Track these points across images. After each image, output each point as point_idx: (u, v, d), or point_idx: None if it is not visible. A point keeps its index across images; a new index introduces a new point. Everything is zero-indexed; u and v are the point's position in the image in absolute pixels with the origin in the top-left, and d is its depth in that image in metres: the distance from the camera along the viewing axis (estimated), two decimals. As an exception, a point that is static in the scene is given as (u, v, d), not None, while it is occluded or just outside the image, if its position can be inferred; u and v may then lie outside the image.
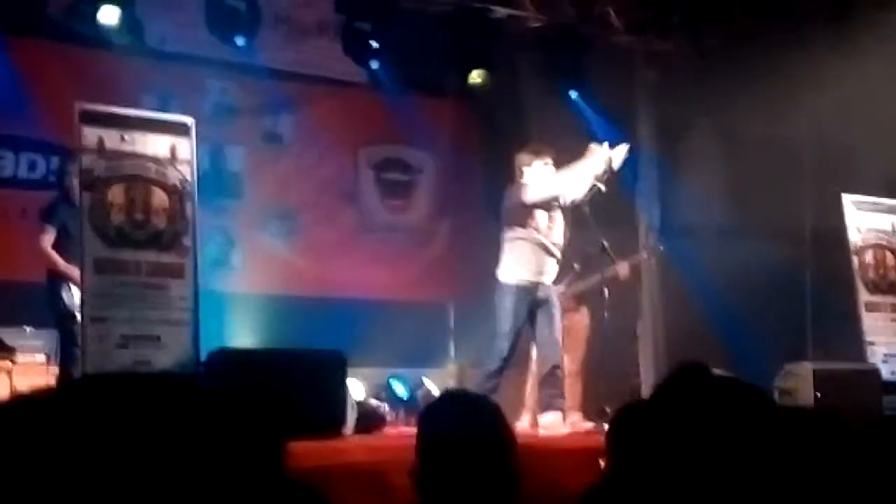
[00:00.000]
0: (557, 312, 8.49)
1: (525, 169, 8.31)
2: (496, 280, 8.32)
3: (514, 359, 8.37)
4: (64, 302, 7.92)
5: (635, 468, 2.43)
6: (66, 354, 7.80)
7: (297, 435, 2.03)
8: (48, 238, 8.04)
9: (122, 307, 7.26)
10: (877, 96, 10.68)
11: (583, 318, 9.64)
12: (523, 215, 8.25)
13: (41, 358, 8.52)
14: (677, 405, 2.43)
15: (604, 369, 9.24)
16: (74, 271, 7.75)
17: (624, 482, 2.45)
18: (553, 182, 8.25)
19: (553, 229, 8.36)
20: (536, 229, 8.28)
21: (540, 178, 8.24)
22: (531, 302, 8.30)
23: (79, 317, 7.65)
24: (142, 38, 9.47)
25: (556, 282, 8.83)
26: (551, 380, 8.42)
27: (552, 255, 8.36)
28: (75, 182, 7.74)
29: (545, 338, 8.43)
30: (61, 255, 8.00)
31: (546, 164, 8.32)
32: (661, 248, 10.66)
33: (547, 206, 8.28)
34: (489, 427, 3.14)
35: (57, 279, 8.02)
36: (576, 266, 9.52)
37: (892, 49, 10.82)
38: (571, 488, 5.72)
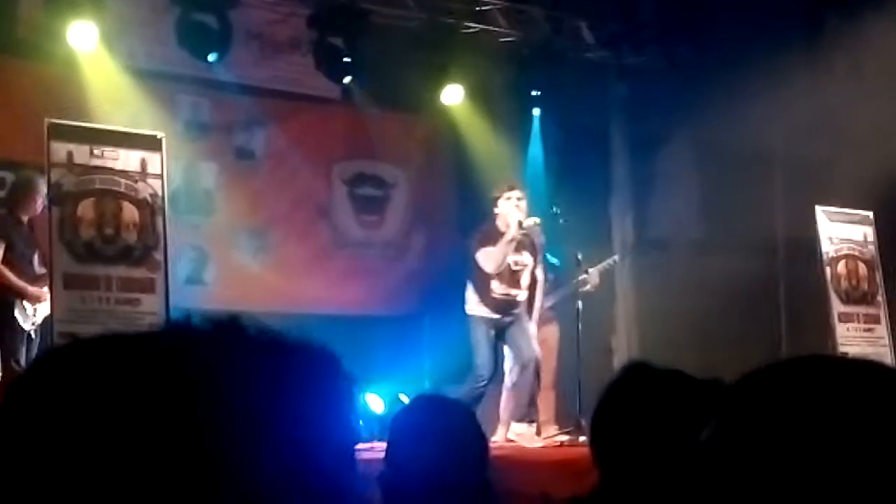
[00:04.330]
0: (529, 325, 8.79)
1: (500, 202, 8.73)
2: (465, 312, 8.80)
3: (495, 380, 8.69)
4: (14, 318, 7.77)
5: (625, 475, 2.41)
6: (8, 371, 7.68)
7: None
8: None
9: (93, 323, 7.20)
10: (848, 108, 10.74)
11: (554, 330, 9.69)
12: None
13: None
14: (645, 405, 2.43)
15: (579, 383, 9.23)
16: (26, 286, 7.68)
17: (618, 491, 2.42)
18: (504, 252, 8.63)
19: (515, 276, 8.76)
20: (497, 280, 8.69)
21: (496, 247, 8.64)
22: (501, 324, 8.70)
23: (32, 332, 7.60)
24: (113, 54, 9.43)
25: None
26: (532, 390, 8.62)
27: (519, 278, 8.73)
28: (39, 200, 7.68)
29: (523, 351, 8.64)
30: (12, 270, 7.83)
31: (518, 199, 8.72)
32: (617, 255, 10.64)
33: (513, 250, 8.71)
34: (460, 431, 3.08)
35: (6, 295, 7.82)
36: (549, 277, 9.56)
37: (862, 61, 10.90)
38: (545, 499, 5.70)
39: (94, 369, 0.88)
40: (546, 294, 9.55)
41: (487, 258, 8.64)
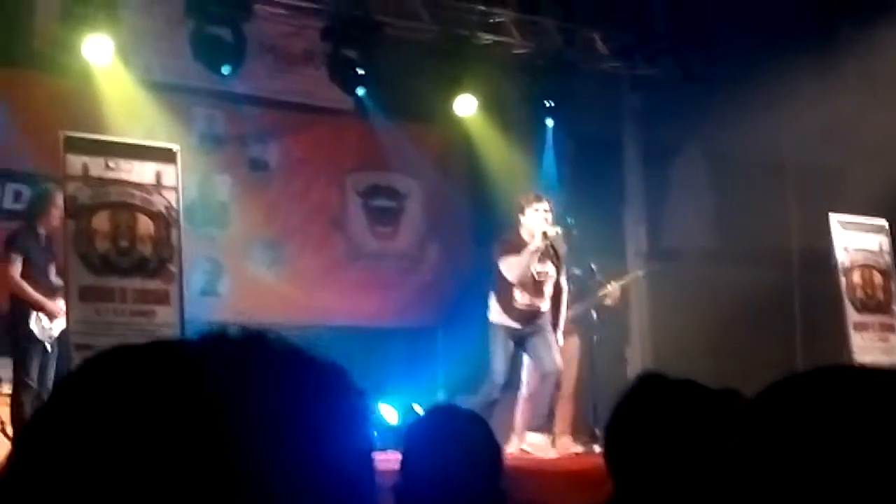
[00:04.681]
0: (552, 335, 8.78)
1: (526, 212, 8.72)
2: (487, 319, 8.77)
3: (509, 389, 8.72)
4: (30, 330, 7.81)
5: (640, 486, 2.42)
6: (20, 383, 7.71)
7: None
8: (16, 267, 7.86)
9: (108, 335, 7.22)
10: (860, 117, 10.74)
11: (574, 342, 9.69)
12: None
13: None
14: (659, 416, 2.43)
15: (593, 393, 9.24)
16: (44, 300, 7.71)
17: (632, 502, 2.43)
18: (528, 262, 8.59)
19: (538, 287, 8.72)
20: (521, 291, 8.65)
21: (520, 256, 8.61)
22: (523, 334, 8.65)
23: (48, 345, 7.62)
24: (128, 67, 9.48)
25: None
26: (551, 402, 8.63)
27: (542, 288, 8.70)
28: (55, 212, 7.72)
29: (545, 361, 8.69)
30: (29, 283, 7.86)
31: (546, 210, 8.72)
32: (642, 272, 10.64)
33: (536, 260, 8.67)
34: (474, 442, 3.08)
35: (22, 307, 7.85)
36: (571, 288, 9.59)
37: (875, 70, 10.89)
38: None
39: (120, 381, 0.90)
40: (567, 307, 9.58)
41: (511, 267, 8.64)
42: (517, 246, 8.71)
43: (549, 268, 8.83)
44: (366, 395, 0.98)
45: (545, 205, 8.81)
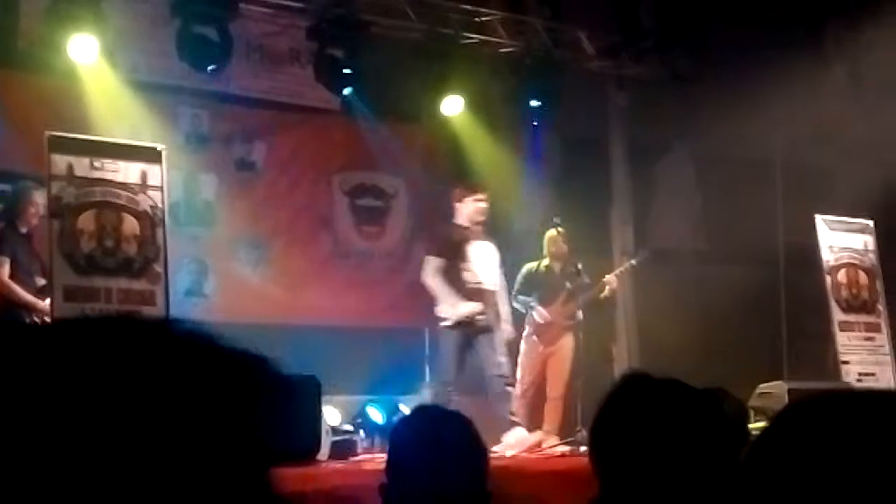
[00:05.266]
0: (500, 335, 8.91)
1: (457, 204, 9.00)
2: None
3: (461, 385, 8.83)
4: None
5: (625, 485, 2.41)
6: None
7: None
8: (3, 269, 7.79)
9: (94, 335, 7.18)
10: (847, 117, 10.76)
11: (568, 342, 9.73)
12: (448, 263, 8.85)
13: None
14: (642, 413, 2.43)
15: (579, 391, 9.25)
16: (34, 300, 7.67)
17: (618, 502, 2.43)
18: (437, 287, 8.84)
19: (484, 265, 8.91)
20: (466, 270, 8.83)
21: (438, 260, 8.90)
22: (468, 334, 8.80)
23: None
24: (113, 67, 9.45)
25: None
26: (504, 399, 8.65)
27: (484, 290, 8.88)
28: (32, 210, 7.68)
29: (489, 361, 8.80)
30: (16, 283, 7.82)
31: (478, 199, 8.93)
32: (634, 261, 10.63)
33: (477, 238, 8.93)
34: (459, 442, 3.08)
35: (12, 309, 7.77)
36: (568, 287, 9.66)
37: (862, 71, 10.91)
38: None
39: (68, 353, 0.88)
40: (564, 303, 9.63)
41: (428, 265, 8.88)
42: (447, 240, 8.90)
43: (485, 269, 8.82)
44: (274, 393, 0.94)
45: (482, 197, 8.98)
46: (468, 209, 8.95)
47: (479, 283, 8.86)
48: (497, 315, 8.97)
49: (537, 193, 11.36)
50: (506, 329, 9.11)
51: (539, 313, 9.67)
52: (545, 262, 9.83)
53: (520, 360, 9.68)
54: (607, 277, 9.74)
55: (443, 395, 8.54)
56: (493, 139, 11.32)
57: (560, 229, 9.67)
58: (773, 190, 12.23)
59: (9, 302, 7.82)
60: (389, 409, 9.74)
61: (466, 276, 8.85)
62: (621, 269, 10.00)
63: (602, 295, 9.71)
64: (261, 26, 10.54)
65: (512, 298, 9.58)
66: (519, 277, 9.79)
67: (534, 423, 9.52)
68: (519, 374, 9.60)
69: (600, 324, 10.71)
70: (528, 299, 9.72)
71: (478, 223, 8.95)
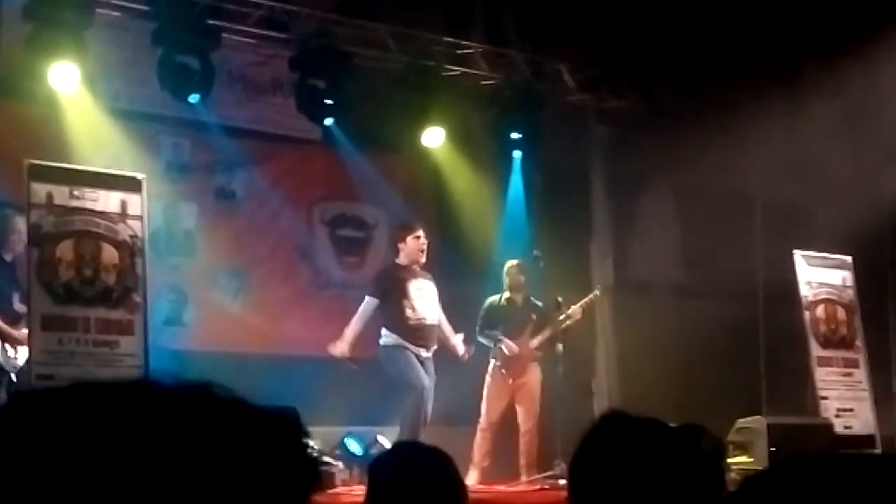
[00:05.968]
0: (432, 377, 9.03)
1: (399, 245, 9.26)
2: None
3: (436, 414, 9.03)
4: None
5: None
6: None
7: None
8: None
9: (71, 365, 7.16)
10: (826, 154, 10.82)
11: (535, 374, 9.73)
12: (389, 302, 9.12)
13: None
14: (621, 452, 2.44)
15: (558, 426, 9.23)
16: (8, 329, 7.61)
17: None
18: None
19: (424, 301, 9.10)
20: (408, 307, 9.04)
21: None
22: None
23: (13, 375, 7.52)
24: (94, 95, 9.43)
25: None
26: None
27: (426, 325, 9.07)
28: (14, 238, 7.64)
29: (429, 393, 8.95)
30: None
31: (417, 237, 9.17)
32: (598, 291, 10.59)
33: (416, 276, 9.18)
34: (438, 477, 3.09)
35: None
36: (532, 318, 9.67)
37: (841, 108, 10.99)
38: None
39: (57, 422, 0.88)
40: (531, 336, 9.66)
41: (365, 306, 9.22)
42: (387, 280, 9.18)
43: (425, 309, 9.04)
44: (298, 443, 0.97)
45: (420, 234, 9.21)
46: (409, 248, 9.12)
47: (421, 318, 9.00)
48: (440, 347, 9.17)
49: (517, 225, 11.38)
50: (458, 346, 9.28)
51: (506, 345, 9.66)
52: (506, 294, 9.85)
53: (485, 393, 9.68)
54: (571, 309, 9.73)
55: (420, 400, 8.66)
56: (474, 171, 11.35)
57: (517, 261, 9.81)
58: (752, 224, 12.28)
59: None
60: (368, 441, 9.71)
61: (409, 312, 8.99)
62: (585, 300, 9.94)
63: (564, 326, 9.69)
64: (243, 56, 10.55)
65: (478, 334, 9.62)
66: (482, 312, 9.82)
67: (498, 456, 9.56)
68: (484, 409, 9.62)
69: (580, 356, 10.71)
70: (494, 332, 9.71)
71: (417, 261, 9.06)
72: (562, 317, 9.65)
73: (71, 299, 7.33)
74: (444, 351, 9.33)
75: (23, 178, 7.61)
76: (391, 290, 9.05)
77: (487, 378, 9.70)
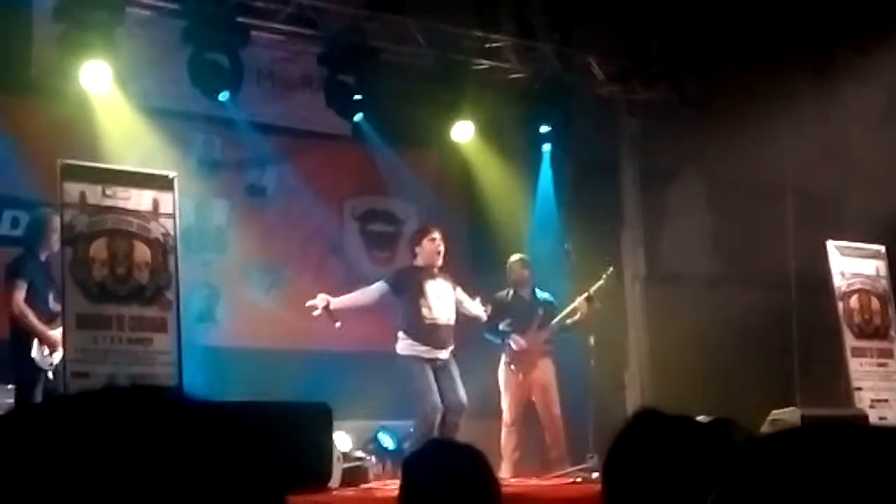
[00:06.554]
0: (456, 371, 8.98)
1: (416, 248, 9.21)
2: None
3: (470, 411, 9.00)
4: (32, 358, 7.75)
5: None
6: None
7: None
8: (20, 294, 7.78)
9: (105, 362, 7.21)
10: (858, 142, 10.75)
11: (546, 367, 9.70)
12: (407, 300, 9.10)
13: None
14: (653, 449, 2.45)
15: (591, 419, 9.22)
16: (44, 328, 7.67)
17: None
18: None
19: (440, 302, 9.05)
20: (424, 306, 9.00)
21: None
22: (435, 366, 8.94)
23: (50, 373, 7.57)
24: (126, 93, 9.49)
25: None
26: (453, 431, 8.75)
27: (440, 325, 9.00)
28: (54, 237, 7.70)
29: (449, 397, 8.88)
30: (31, 309, 7.80)
31: (433, 239, 9.11)
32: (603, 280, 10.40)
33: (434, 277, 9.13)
34: (471, 475, 3.10)
35: (24, 335, 7.78)
36: (540, 312, 9.63)
37: (872, 94, 10.91)
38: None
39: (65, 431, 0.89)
40: (539, 329, 9.61)
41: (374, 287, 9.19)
42: (405, 277, 9.14)
43: (440, 309, 8.98)
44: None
45: (436, 236, 9.16)
46: (425, 250, 9.10)
47: (435, 318, 8.94)
48: (455, 347, 9.11)
49: (547, 218, 11.37)
50: (480, 315, 9.31)
51: (514, 341, 9.63)
52: (511, 290, 9.83)
53: (501, 390, 9.68)
54: (578, 301, 9.66)
55: (432, 416, 8.67)
56: (504, 164, 11.34)
57: (520, 256, 9.82)
58: (784, 214, 12.22)
59: (20, 327, 7.82)
60: (401, 435, 9.73)
61: (425, 312, 8.98)
62: (590, 291, 9.79)
63: (571, 321, 9.65)
64: (272, 53, 10.59)
65: (485, 331, 9.60)
66: (488, 309, 9.78)
67: (528, 449, 9.54)
68: (504, 405, 9.61)
69: (612, 350, 10.69)
70: (502, 328, 9.66)
71: (434, 263, 9.06)
72: (567, 310, 9.62)
73: (105, 298, 7.39)
74: (471, 348, 9.31)
75: (56, 177, 7.67)
76: (408, 290, 9.04)
77: (500, 375, 9.68)
